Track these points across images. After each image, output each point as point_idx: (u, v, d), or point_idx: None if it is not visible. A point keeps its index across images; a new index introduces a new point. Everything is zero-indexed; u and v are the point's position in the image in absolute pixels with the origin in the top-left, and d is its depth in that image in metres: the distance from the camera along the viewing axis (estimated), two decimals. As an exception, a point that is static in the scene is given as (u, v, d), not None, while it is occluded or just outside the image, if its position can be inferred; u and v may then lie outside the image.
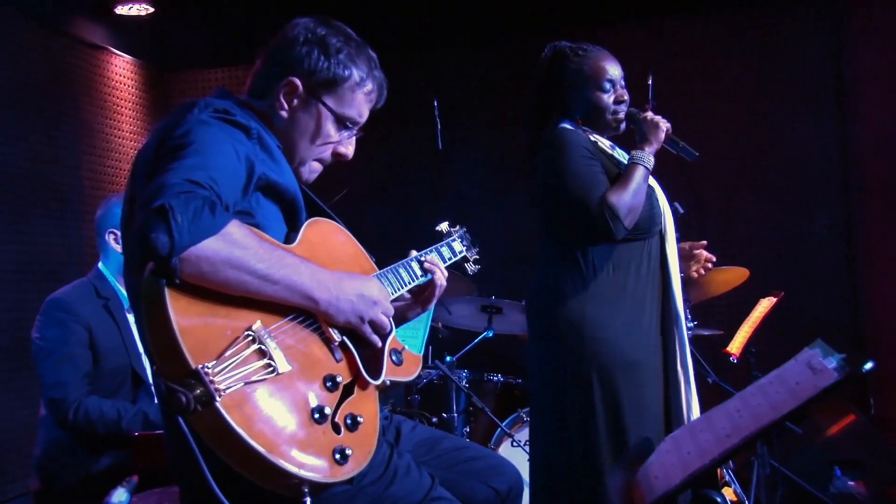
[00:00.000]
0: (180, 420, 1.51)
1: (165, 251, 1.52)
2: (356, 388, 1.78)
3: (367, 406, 1.78)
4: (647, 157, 2.76)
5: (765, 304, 4.25)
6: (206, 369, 1.51)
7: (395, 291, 2.04)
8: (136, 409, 3.07)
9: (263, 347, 1.61)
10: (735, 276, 4.03)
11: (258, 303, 1.65)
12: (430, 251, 2.24)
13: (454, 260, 2.34)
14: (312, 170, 2.02)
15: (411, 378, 2.00)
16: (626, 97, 2.87)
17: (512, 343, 4.91)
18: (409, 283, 2.11)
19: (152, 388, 3.16)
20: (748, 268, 4.02)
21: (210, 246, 1.56)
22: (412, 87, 4.73)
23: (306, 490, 1.59)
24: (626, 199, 2.65)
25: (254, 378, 1.57)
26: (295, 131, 1.95)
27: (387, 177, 5.47)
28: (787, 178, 5.16)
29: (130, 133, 5.00)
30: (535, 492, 2.86)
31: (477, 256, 2.48)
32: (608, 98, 2.83)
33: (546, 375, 2.81)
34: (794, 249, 5.14)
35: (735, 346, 4.17)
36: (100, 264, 3.32)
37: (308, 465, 1.58)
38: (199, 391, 1.49)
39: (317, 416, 1.64)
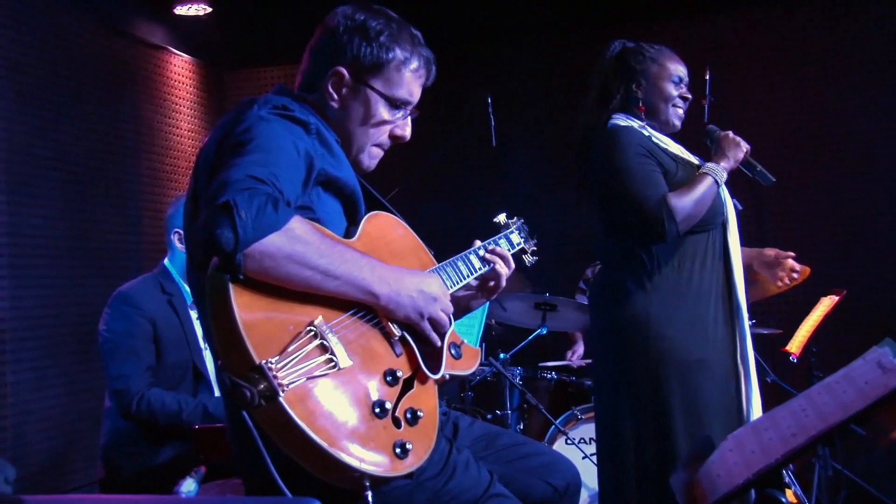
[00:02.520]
0: (244, 414, 1.54)
1: (230, 247, 1.54)
2: (416, 383, 1.79)
3: (426, 400, 1.79)
4: (721, 171, 2.74)
5: (826, 303, 4.15)
6: (269, 364, 1.53)
7: (455, 285, 2.04)
8: (196, 402, 3.13)
9: (325, 342, 1.62)
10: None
11: (320, 298, 1.66)
12: (489, 243, 2.23)
13: (512, 252, 2.31)
14: (372, 156, 2.01)
15: (470, 371, 2.00)
16: (689, 96, 2.87)
17: (567, 340, 4.91)
18: (468, 277, 2.10)
19: (213, 382, 3.22)
20: (809, 265, 3.95)
21: (273, 242, 1.57)
22: (467, 83, 4.73)
23: (367, 483, 1.60)
24: (687, 203, 2.63)
25: (316, 373, 1.59)
26: (348, 120, 1.95)
27: (442, 172, 5.48)
28: (848, 174, 5.05)
29: (189, 131, 5.07)
30: (604, 494, 2.83)
31: (535, 248, 2.45)
32: (676, 91, 2.83)
33: (613, 375, 2.78)
34: (857, 246, 5.03)
35: (795, 345, 4.08)
36: (166, 260, 3.39)
37: (369, 459, 1.59)
38: (262, 386, 1.51)
39: (377, 410, 1.65)
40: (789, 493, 3.79)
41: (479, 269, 2.13)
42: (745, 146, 2.82)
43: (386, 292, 1.73)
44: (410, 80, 1.98)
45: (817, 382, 1.88)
